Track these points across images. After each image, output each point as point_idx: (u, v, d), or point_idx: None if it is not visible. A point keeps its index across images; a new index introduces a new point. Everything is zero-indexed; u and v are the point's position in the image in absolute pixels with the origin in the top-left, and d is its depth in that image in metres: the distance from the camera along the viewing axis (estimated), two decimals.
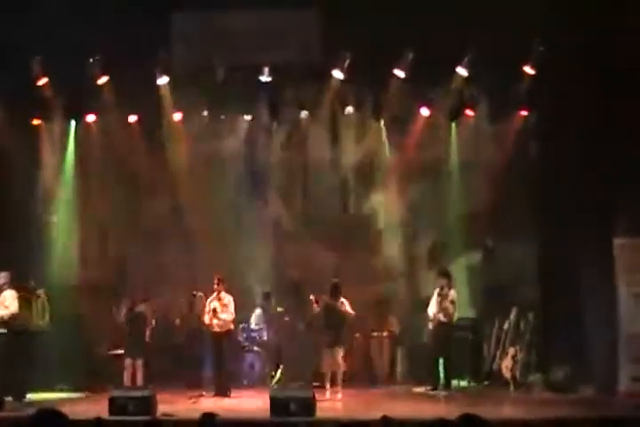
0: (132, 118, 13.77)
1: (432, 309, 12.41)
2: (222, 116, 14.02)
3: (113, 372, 12.48)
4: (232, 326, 12.24)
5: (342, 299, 11.75)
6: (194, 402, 11.25)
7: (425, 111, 13.63)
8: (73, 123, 13.88)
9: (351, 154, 14.24)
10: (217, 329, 12.01)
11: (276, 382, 12.63)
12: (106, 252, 14.23)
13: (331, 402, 11.14)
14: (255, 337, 13.57)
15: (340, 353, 11.69)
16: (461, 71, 12.76)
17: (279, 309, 13.73)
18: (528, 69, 12.39)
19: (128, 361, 12.13)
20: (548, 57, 12.03)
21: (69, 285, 13.65)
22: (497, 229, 13.53)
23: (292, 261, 14.09)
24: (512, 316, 12.70)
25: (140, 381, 12.05)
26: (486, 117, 13.47)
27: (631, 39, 10.92)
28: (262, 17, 13.03)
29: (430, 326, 12.50)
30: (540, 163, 13.10)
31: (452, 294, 12.35)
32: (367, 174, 14.25)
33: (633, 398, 10.70)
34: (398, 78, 12.92)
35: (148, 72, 12.85)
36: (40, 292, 13.03)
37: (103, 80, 13.00)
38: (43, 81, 12.86)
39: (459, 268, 13.54)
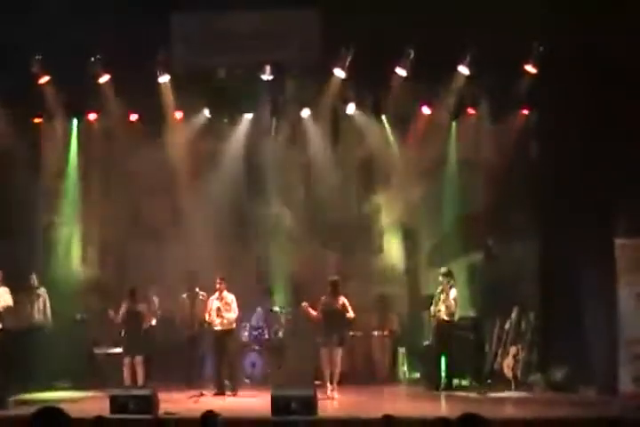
0: (134, 117, 13.77)
1: (434, 308, 12.41)
2: (225, 120, 14.02)
3: (114, 370, 12.49)
4: (235, 325, 12.25)
5: (342, 297, 11.74)
6: (195, 401, 11.26)
7: (426, 110, 13.63)
8: (74, 122, 13.89)
9: (352, 153, 14.23)
10: (220, 328, 12.01)
11: None
12: (106, 251, 14.24)
13: (331, 401, 11.15)
14: (256, 336, 13.59)
15: (339, 353, 11.70)
16: (463, 70, 12.77)
17: (281, 308, 13.74)
18: (529, 68, 12.39)
19: (127, 359, 12.16)
20: (548, 56, 12.03)
21: (70, 283, 13.67)
22: (498, 228, 13.52)
23: (294, 261, 14.08)
24: (513, 315, 12.70)
25: (140, 378, 12.07)
26: (487, 116, 13.46)
27: (631, 39, 10.92)
28: (263, 16, 13.03)
29: (432, 324, 12.51)
30: (540, 162, 13.09)
31: (454, 293, 12.36)
32: (368, 173, 14.24)
33: (634, 399, 10.70)
34: (399, 77, 12.93)
35: (148, 71, 12.85)
36: (41, 290, 13.06)
37: (104, 79, 13.02)
38: (44, 79, 12.87)
39: (460, 267, 13.51)
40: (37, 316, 13.02)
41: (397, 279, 14.16)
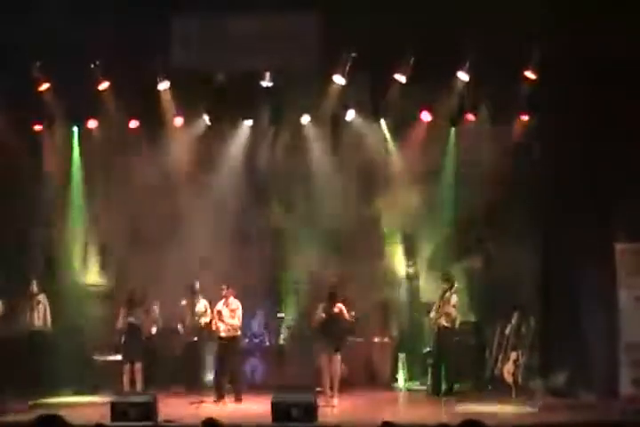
0: (134, 124, 13.78)
1: (434, 313, 12.41)
2: (225, 126, 14.04)
3: (113, 377, 12.48)
4: (239, 333, 12.21)
5: (339, 304, 11.74)
6: (195, 407, 11.24)
7: (426, 116, 13.64)
8: (75, 129, 13.89)
9: (352, 158, 14.22)
10: (224, 334, 12.00)
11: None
12: (107, 257, 14.23)
13: (331, 407, 11.14)
14: (257, 342, 13.57)
15: (338, 359, 11.69)
16: (462, 76, 12.78)
17: (281, 314, 13.73)
18: (529, 74, 12.40)
19: (126, 366, 12.16)
20: (548, 57, 12.00)
21: (70, 290, 13.67)
22: (498, 233, 13.51)
23: (294, 267, 14.08)
24: (513, 320, 12.65)
25: (139, 385, 12.07)
26: (487, 121, 13.45)
27: (631, 39, 10.93)
28: (263, 21, 13.04)
29: (433, 330, 12.50)
30: (540, 166, 13.08)
31: (454, 298, 12.36)
32: (368, 179, 14.23)
33: (634, 403, 10.70)
34: (399, 83, 12.94)
35: (148, 77, 12.87)
36: (41, 297, 13.06)
37: (104, 86, 13.03)
38: (44, 86, 12.89)
39: (460, 272, 13.51)
40: (37, 322, 13.02)
41: (398, 285, 14.16)
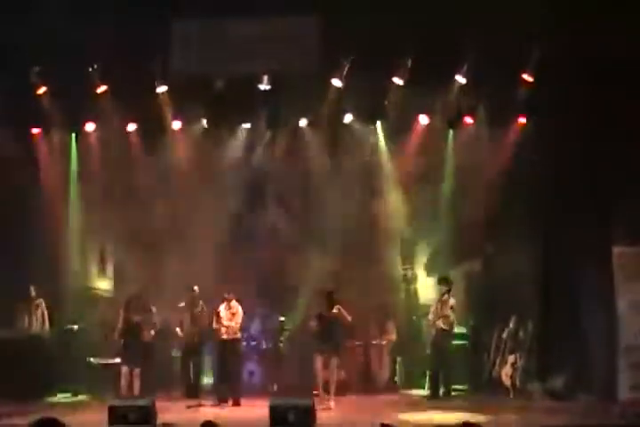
0: (132, 127, 13.78)
1: (432, 316, 12.41)
2: (223, 130, 14.05)
3: (110, 380, 12.47)
4: (239, 335, 12.22)
5: (336, 306, 11.72)
6: (194, 411, 11.24)
7: (424, 119, 13.65)
8: (73, 132, 13.89)
9: (350, 162, 14.22)
10: (225, 337, 12.00)
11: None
12: (105, 261, 14.23)
13: (328, 410, 11.13)
14: (255, 345, 13.56)
15: (335, 361, 11.68)
16: (460, 79, 12.80)
17: (282, 318, 13.72)
18: (526, 77, 12.41)
19: (125, 369, 12.15)
20: (547, 57, 12.01)
21: (69, 294, 13.66)
22: (496, 236, 13.51)
23: (292, 270, 14.08)
24: (511, 324, 12.68)
25: (136, 389, 12.05)
26: (485, 124, 13.46)
27: (631, 39, 10.95)
28: (262, 23, 13.05)
29: (431, 333, 12.51)
30: (540, 168, 13.08)
31: (452, 301, 12.37)
32: (366, 182, 14.24)
33: (632, 406, 10.68)
34: (397, 86, 12.95)
35: (147, 81, 12.87)
36: (40, 301, 13.06)
37: (102, 89, 13.03)
38: (42, 90, 12.89)
39: (458, 275, 13.51)
40: (36, 326, 13.02)
41: (396, 288, 14.16)
